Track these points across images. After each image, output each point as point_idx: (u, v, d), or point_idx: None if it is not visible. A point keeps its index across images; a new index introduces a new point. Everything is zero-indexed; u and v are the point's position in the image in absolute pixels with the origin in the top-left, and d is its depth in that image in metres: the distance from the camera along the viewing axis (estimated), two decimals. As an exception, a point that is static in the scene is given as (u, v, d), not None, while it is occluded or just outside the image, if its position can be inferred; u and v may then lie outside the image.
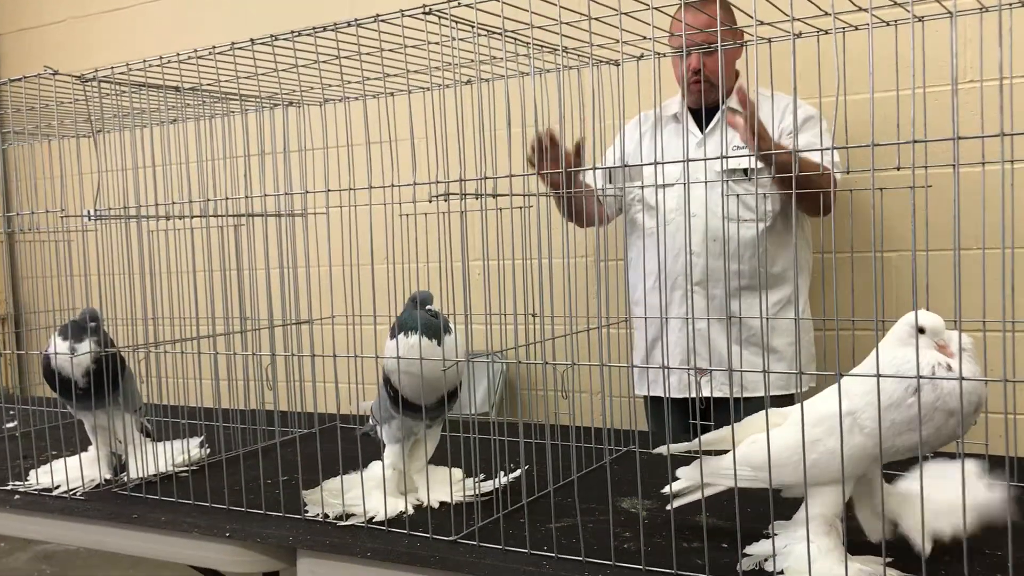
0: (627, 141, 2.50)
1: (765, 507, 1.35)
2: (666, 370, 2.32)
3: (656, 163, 1.44)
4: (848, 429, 1.27)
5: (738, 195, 2.38)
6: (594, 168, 1.78)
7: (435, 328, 1.58)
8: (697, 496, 1.43)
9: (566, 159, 2.05)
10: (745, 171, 2.37)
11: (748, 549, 1.37)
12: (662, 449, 1.47)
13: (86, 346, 1.88)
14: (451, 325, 1.62)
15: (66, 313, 2.03)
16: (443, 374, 1.55)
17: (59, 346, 1.90)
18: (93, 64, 1.84)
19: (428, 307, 1.60)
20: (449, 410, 1.73)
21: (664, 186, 1.61)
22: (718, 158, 1.68)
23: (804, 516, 1.31)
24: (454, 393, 1.69)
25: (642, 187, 2.40)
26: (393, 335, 1.60)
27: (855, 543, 1.35)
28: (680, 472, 1.46)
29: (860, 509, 1.38)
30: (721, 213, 2.23)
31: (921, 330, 1.26)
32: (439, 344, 1.57)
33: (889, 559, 1.29)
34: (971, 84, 2.51)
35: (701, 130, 2.52)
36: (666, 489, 1.48)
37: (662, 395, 2.37)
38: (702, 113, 2.50)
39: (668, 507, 1.46)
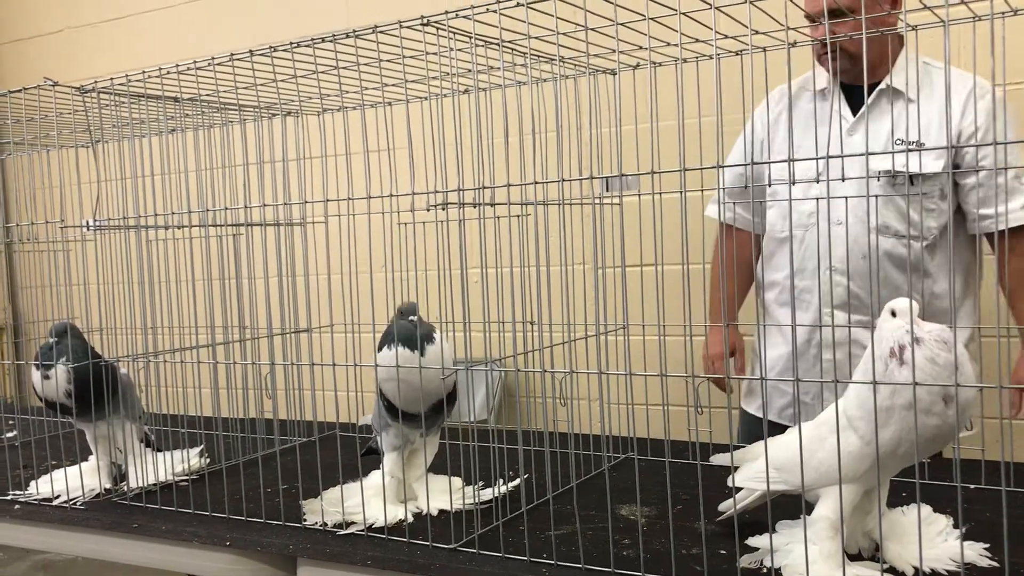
0: (757, 124, 2.08)
1: (763, 515, 1.36)
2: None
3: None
4: (844, 426, 1.28)
5: (904, 202, 1.97)
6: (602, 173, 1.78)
7: (415, 338, 1.60)
8: (742, 506, 1.47)
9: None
10: (911, 178, 1.95)
11: (750, 541, 1.40)
12: (720, 459, 1.49)
13: (55, 369, 1.87)
14: (436, 335, 1.63)
15: (49, 327, 2.03)
16: (427, 383, 1.57)
17: (34, 372, 1.91)
18: (90, 74, 1.85)
19: (411, 317, 1.61)
20: (447, 417, 1.73)
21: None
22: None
23: (811, 516, 1.33)
24: (451, 399, 1.69)
25: (768, 183, 1.98)
26: (380, 347, 1.63)
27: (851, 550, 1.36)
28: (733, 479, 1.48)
29: (852, 523, 1.38)
30: (874, 224, 1.94)
31: (893, 314, 1.26)
32: (421, 354, 1.59)
33: (886, 566, 1.31)
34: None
35: (854, 112, 2.09)
36: (723, 505, 1.51)
37: (770, 417, 2.22)
38: (857, 90, 2.05)
39: (721, 517, 1.49)
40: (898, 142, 1.96)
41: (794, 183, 1.23)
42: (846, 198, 1.54)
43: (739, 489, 1.47)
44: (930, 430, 1.21)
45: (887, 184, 2.00)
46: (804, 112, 2.09)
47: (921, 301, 1.97)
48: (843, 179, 1.22)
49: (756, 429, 2.22)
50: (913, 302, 1.24)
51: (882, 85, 2.02)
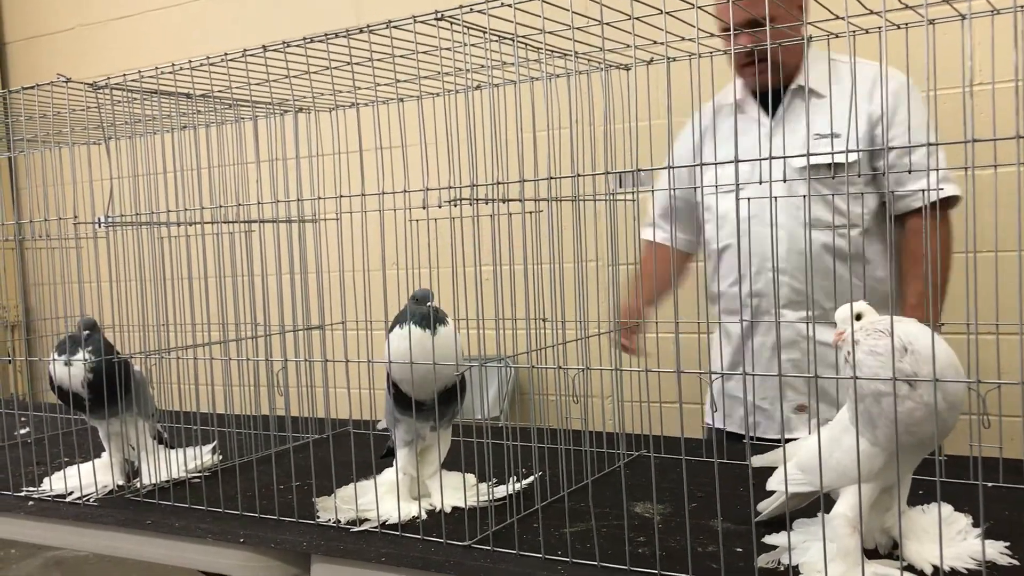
0: (686, 145, 2.19)
1: (780, 512, 1.35)
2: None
3: (663, 165, 1.43)
4: (852, 426, 1.28)
5: (828, 196, 2.03)
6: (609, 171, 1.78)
7: (427, 317, 1.59)
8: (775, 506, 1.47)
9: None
10: (829, 166, 1.97)
11: (767, 539, 1.39)
12: (756, 459, 1.50)
13: (79, 358, 1.88)
14: (448, 319, 1.62)
15: (77, 320, 2.04)
16: (439, 363, 1.56)
17: (56, 361, 1.91)
18: (101, 70, 1.84)
19: (428, 303, 1.61)
20: (455, 413, 1.72)
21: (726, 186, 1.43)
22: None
23: (828, 514, 1.32)
24: (458, 389, 1.68)
25: (700, 191, 2.07)
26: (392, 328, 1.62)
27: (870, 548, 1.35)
28: (769, 484, 1.47)
29: (870, 520, 1.38)
30: (806, 219, 1.97)
31: (858, 317, 1.28)
32: (434, 333, 1.58)
33: (905, 564, 1.30)
34: (981, 86, 2.51)
35: (770, 116, 2.17)
36: (761, 505, 1.50)
37: (733, 430, 2.20)
38: (772, 95, 2.14)
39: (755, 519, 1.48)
40: (815, 137, 2.03)
41: (741, 188, 1.29)
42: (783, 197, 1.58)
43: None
44: (908, 415, 1.21)
45: (812, 179, 2.07)
46: (727, 126, 2.14)
47: (864, 288, 1.96)
48: (760, 182, 1.31)
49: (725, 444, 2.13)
50: (855, 304, 1.27)
51: (793, 86, 2.06)
